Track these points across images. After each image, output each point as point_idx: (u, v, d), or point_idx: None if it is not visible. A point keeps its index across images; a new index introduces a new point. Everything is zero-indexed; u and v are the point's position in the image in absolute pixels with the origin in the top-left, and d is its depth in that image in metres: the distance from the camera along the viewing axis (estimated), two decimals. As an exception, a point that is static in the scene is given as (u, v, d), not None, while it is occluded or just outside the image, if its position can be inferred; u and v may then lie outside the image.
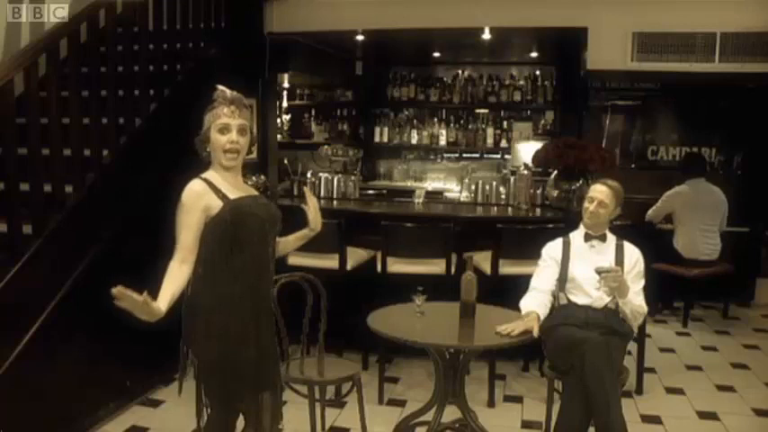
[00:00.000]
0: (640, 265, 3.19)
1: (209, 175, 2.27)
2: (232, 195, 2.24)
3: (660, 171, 6.03)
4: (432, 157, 7.78)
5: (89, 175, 3.51)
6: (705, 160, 5.84)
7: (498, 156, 7.40)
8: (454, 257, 4.11)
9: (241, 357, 2.24)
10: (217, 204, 2.20)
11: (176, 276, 2.18)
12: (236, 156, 2.25)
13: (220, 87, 2.27)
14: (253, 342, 2.27)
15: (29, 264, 3.00)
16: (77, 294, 3.25)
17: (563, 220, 4.14)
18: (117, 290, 1.92)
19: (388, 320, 2.95)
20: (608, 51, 5.85)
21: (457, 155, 7.61)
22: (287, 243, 2.55)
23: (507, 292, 3.38)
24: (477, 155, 7.51)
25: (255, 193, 2.38)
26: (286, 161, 6.69)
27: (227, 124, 2.22)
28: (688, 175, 5.42)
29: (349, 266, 4.12)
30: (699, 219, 5.30)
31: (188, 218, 2.19)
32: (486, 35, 5.83)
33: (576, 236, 3.28)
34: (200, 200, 2.20)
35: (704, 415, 3.70)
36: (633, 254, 3.21)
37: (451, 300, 3.07)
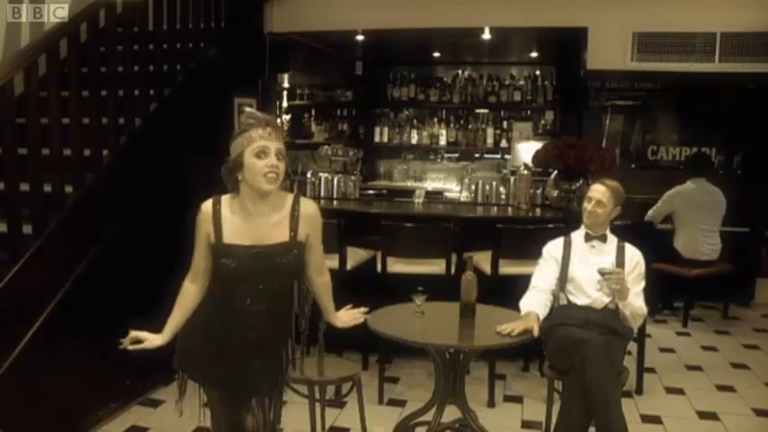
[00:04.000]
0: (641, 267, 3.19)
1: (226, 201, 2.14)
2: (233, 238, 2.11)
3: (660, 171, 6.04)
4: (432, 157, 7.77)
5: (89, 175, 3.51)
6: (710, 161, 5.85)
7: (498, 156, 7.39)
8: (454, 257, 4.11)
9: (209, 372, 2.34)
10: (212, 239, 2.13)
11: (185, 298, 2.21)
12: (276, 178, 2.09)
13: (248, 109, 2.16)
14: (219, 360, 2.27)
15: (29, 264, 3.00)
16: (78, 294, 3.25)
17: (563, 220, 4.14)
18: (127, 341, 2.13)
19: (388, 320, 2.95)
20: (608, 51, 5.85)
21: (457, 155, 7.61)
22: (320, 297, 2.56)
23: (507, 292, 3.38)
24: (477, 155, 7.51)
25: (274, 240, 2.16)
26: (286, 161, 6.69)
27: (265, 147, 2.05)
28: (691, 173, 5.41)
29: (349, 266, 4.11)
30: (700, 219, 5.29)
31: (197, 237, 2.17)
32: (486, 35, 5.84)
33: (577, 236, 3.28)
34: (204, 224, 2.14)
35: (704, 415, 3.70)
36: (634, 256, 3.20)
37: (451, 300, 3.07)
